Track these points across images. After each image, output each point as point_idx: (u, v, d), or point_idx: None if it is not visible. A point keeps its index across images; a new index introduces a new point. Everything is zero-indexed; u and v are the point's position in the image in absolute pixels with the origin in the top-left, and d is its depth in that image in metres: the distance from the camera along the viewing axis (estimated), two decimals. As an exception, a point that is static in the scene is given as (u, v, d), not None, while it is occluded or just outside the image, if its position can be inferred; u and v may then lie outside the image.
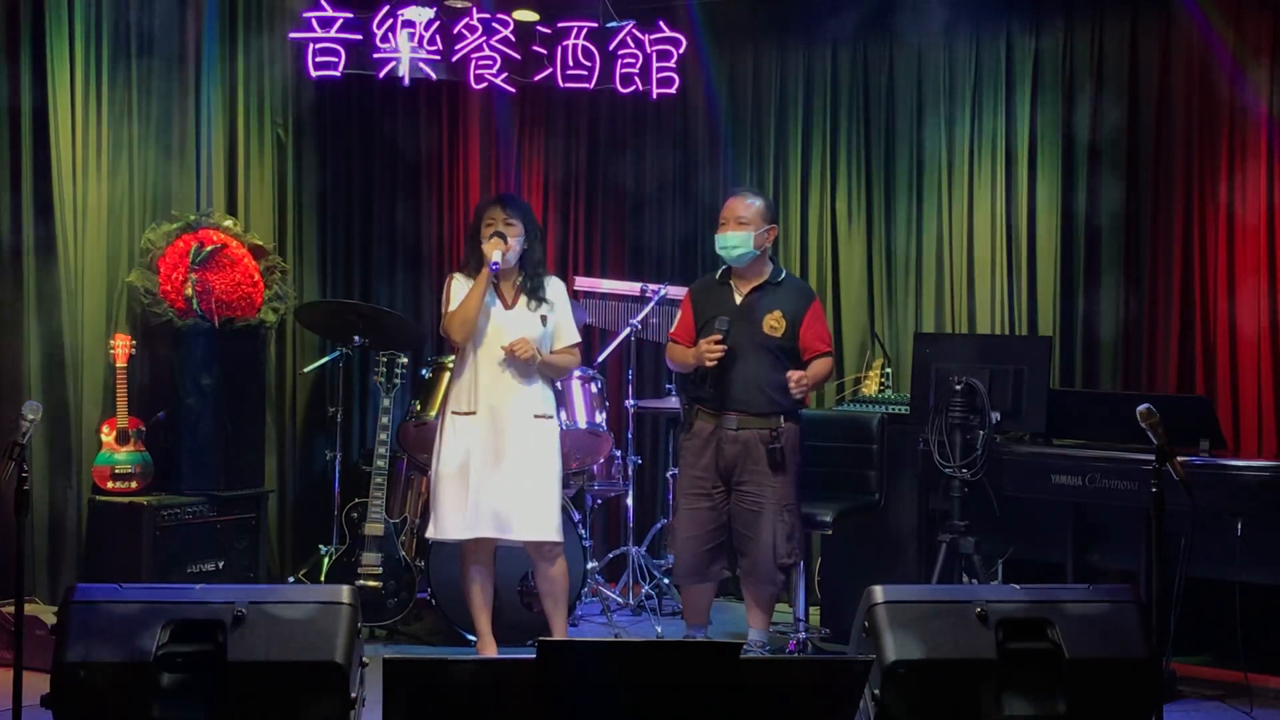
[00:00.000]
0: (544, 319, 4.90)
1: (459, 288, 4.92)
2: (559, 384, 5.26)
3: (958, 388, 4.91)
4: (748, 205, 4.91)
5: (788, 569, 4.90)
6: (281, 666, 3.22)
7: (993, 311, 6.24)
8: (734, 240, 4.88)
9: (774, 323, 4.87)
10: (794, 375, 4.79)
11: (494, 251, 4.80)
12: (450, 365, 5.68)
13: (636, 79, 6.32)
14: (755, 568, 4.86)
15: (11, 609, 3.49)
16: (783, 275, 5.03)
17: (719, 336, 4.81)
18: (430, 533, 4.93)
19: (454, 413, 4.89)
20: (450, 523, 4.84)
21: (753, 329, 4.87)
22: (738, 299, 4.95)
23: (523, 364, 4.85)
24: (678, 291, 5.66)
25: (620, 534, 6.51)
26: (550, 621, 4.97)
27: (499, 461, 4.81)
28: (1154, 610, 3.66)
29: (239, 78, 6.08)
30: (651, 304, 5.98)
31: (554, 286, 5.00)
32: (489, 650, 4.98)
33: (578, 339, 5.06)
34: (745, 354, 4.85)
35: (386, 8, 6.06)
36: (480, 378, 4.86)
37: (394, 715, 2.87)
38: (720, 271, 5.06)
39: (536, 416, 4.89)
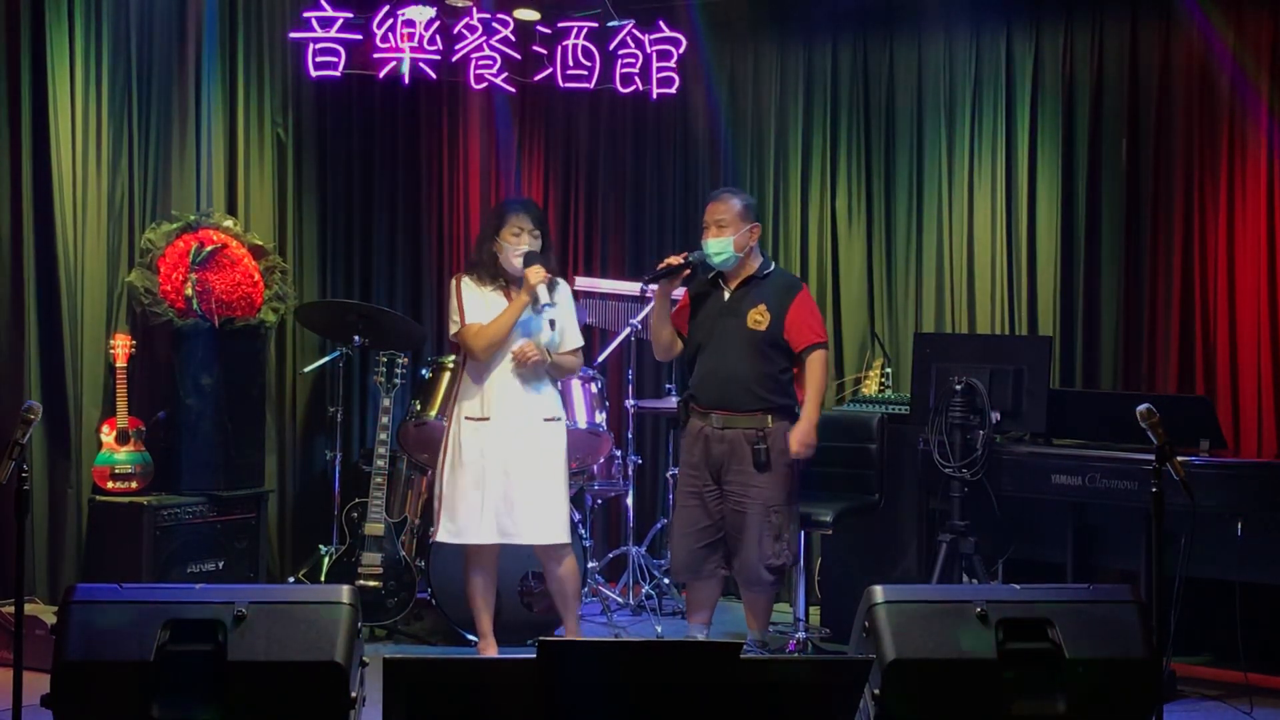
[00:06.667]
0: (551, 323, 4.90)
1: (472, 295, 4.89)
2: (559, 384, 5.24)
3: (958, 388, 4.91)
4: (725, 208, 4.87)
5: (777, 570, 4.85)
6: (281, 666, 3.22)
7: (993, 311, 6.24)
8: (715, 246, 4.86)
9: (758, 317, 4.84)
10: (793, 439, 4.78)
11: (540, 287, 4.78)
12: (450, 365, 5.69)
13: (636, 79, 6.33)
14: (743, 568, 4.85)
15: (11, 609, 3.49)
16: (771, 268, 4.99)
17: (686, 254, 4.89)
18: (441, 536, 4.91)
19: (466, 418, 4.89)
20: (465, 527, 4.85)
21: (739, 325, 4.84)
22: (725, 295, 4.94)
23: (531, 369, 4.86)
24: (677, 292, 5.66)
25: (620, 534, 6.51)
26: (563, 620, 4.99)
27: (511, 466, 4.83)
28: (1154, 610, 3.66)
29: (239, 78, 6.07)
30: (651, 304, 5.97)
31: (561, 290, 5.00)
32: (489, 650, 4.99)
33: (581, 342, 5.09)
34: (731, 351, 4.83)
35: (386, 8, 6.06)
36: (492, 384, 4.87)
37: (394, 715, 2.88)
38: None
39: (546, 420, 4.92)
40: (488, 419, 4.86)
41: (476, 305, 4.88)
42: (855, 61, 6.60)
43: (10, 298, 5.35)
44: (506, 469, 4.82)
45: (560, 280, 5.06)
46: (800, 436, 4.78)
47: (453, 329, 4.94)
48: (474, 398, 4.90)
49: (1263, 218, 5.69)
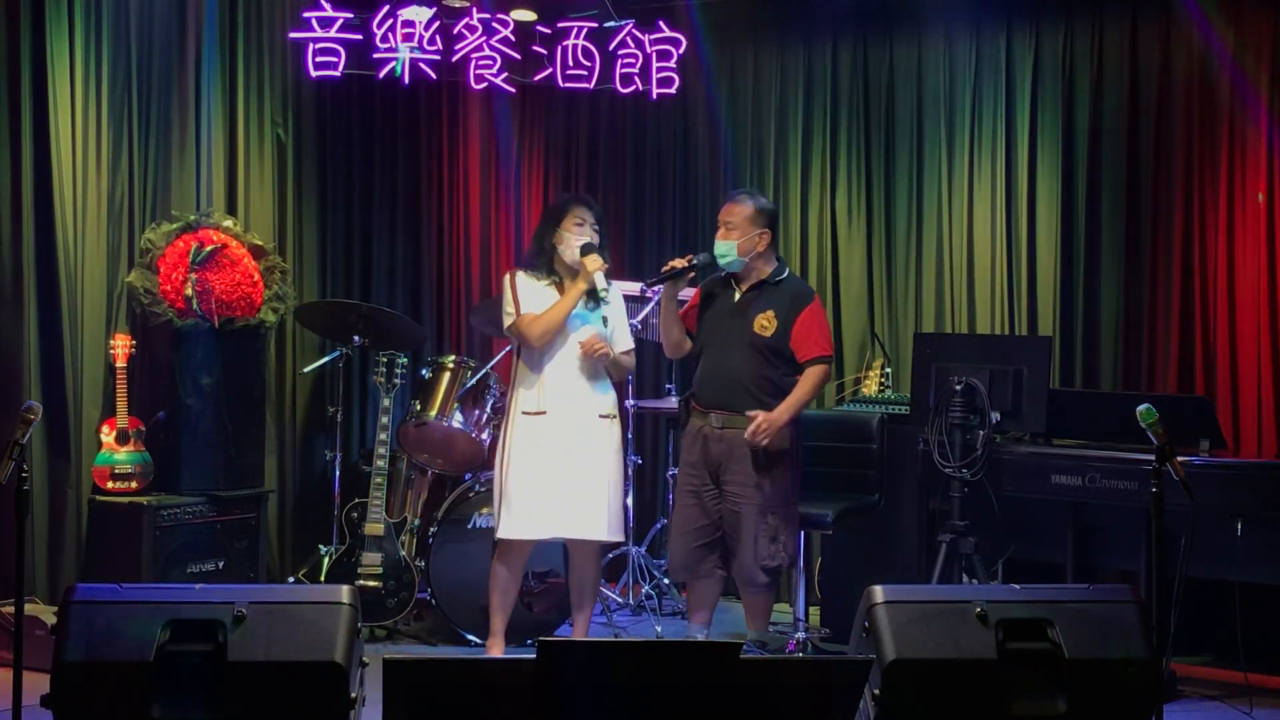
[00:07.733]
0: (604, 320, 4.88)
1: (526, 287, 4.88)
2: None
3: (958, 388, 4.91)
4: (736, 210, 4.86)
5: (772, 571, 4.84)
6: (281, 666, 3.22)
7: (993, 311, 6.24)
8: (721, 248, 4.86)
9: (765, 322, 4.84)
10: (755, 422, 4.68)
11: (598, 274, 4.78)
12: (450, 365, 5.70)
13: (636, 79, 6.32)
14: (739, 568, 4.85)
15: (11, 609, 3.49)
16: (784, 274, 4.97)
17: (691, 257, 4.88)
18: (501, 532, 4.87)
19: (523, 413, 4.87)
20: (521, 522, 4.81)
21: (745, 327, 4.84)
22: (735, 296, 4.94)
23: (589, 364, 4.85)
24: (685, 293, 5.65)
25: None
26: (576, 617, 4.98)
27: (568, 461, 4.80)
28: (1154, 610, 3.67)
29: (239, 78, 6.07)
30: (651, 304, 5.96)
31: (613, 291, 4.98)
32: (496, 650, 4.96)
33: (632, 344, 5.08)
34: (733, 352, 4.83)
35: (386, 8, 6.06)
36: (548, 379, 4.85)
37: (394, 715, 2.88)
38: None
39: (602, 417, 4.90)
40: (544, 413, 4.83)
41: (531, 298, 4.87)
42: (855, 61, 6.60)
43: (10, 298, 5.35)
44: (563, 464, 4.79)
45: (612, 282, 5.03)
46: (767, 419, 4.69)
47: (506, 322, 4.90)
48: (531, 388, 4.87)
49: (1263, 218, 5.69)
